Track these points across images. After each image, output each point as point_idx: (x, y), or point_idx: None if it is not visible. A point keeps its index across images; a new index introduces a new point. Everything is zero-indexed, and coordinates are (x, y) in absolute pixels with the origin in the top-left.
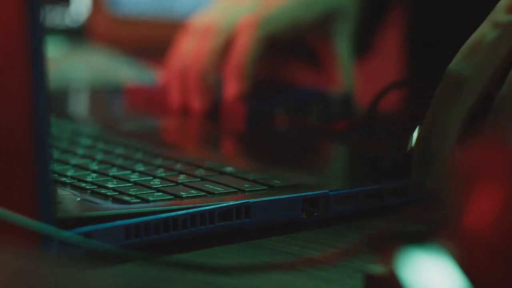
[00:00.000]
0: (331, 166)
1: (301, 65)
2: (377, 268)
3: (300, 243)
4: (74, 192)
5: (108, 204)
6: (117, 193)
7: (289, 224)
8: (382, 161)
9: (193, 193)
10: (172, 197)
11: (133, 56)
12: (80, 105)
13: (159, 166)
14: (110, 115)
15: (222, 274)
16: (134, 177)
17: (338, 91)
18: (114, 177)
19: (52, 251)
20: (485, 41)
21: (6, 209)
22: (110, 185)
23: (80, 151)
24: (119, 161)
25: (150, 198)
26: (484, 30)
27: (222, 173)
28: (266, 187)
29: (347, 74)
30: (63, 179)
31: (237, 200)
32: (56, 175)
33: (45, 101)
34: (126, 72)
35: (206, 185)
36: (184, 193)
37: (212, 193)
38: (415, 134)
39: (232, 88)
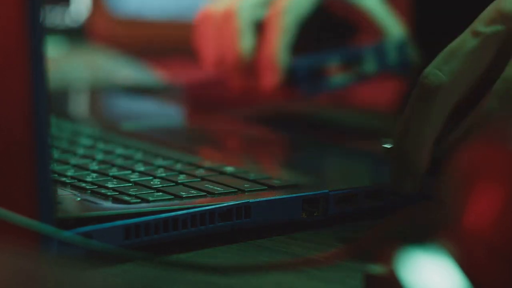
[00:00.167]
0: (331, 166)
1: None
2: (377, 268)
3: (300, 243)
4: (74, 192)
5: (108, 204)
6: (117, 193)
7: (289, 224)
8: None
9: (193, 193)
10: (172, 197)
11: (133, 56)
12: (80, 105)
13: (159, 166)
14: (110, 115)
15: (222, 274)
16: (134, 177)
17: (391, 38)
18: (114, 177)
19: (52, 251)
20: (464, 48)
21: (6, 209)
22: (110, 185)
23: (80, 151)
24: (119, 161)
25: (150, 198)
26: (464, 38)
27: (222, 173)
28: (266, 187)
29: (389, 22)
30: (63, 179)
31: (237, 200)
32: (56, 175)
33: (45, 101)
34: (126, 72)
35: (206, 185)
36: (184, 193)
37: (212, 193)
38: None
39: (268, 80)
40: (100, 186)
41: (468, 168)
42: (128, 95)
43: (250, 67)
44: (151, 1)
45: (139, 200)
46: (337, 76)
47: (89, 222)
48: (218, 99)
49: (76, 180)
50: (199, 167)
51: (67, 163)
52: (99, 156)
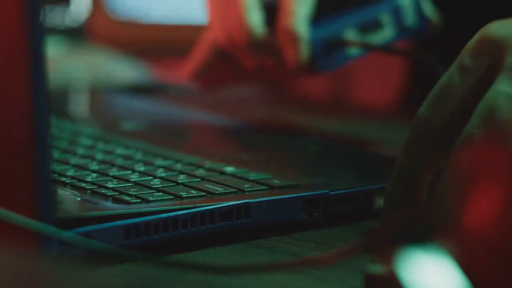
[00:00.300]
0: (331, 166)
1: None
2: (377, 268)
3: (300, 243)
4: (74, 192)
5: (108, 204)
6: (117, 193)
7: (289, 224)
8: (382, 160)
9: (193, 193)
10: (172, 197)
11: (133, 56)
12: (80, 105)
13: (159, 166)
14: (110, 115)
15: (222, 274)
16: (134, 177)
17: None
18: (114, 177)
19: (52, 251)
20: (452, 86)
21: (6, 209)
22: (110, 185)
23: (80, 151)
24: (119, 161)
25: (150, 198)
26: (452, 74)
27: (222, 173)
28: (266, 187)
29: None
30: (63, 179)
31: (237, 200)
32: (56, 175)
33: (45, 101)
34: (126, 72)
35: (206, 185)
36: (184, 193)
37: (212, 193)
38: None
39: (291, 56)
40: (100, 186)
41: (468, 168)
42: (128, 95)
43: (263, 44)
44: (151, 2)
45: (139, 200)
46: (354, 47)
47: (89, 222)
48: (230, 78)
49: (76, 180)
50: (199, 167)
51: (67, 163)
52: (99, 156)
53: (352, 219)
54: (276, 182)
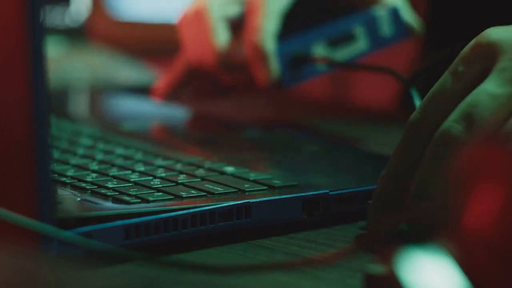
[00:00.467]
0: (331, 166)
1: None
2: (377, 268)
3: (300, 243)
4: (74, 192)
5: (108, 204)
6: (117, 193)
7: (289, 224)
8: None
9: (193, 193)
10: (172, 197)
11: (133, 56)
12: (80, 105)
13: (159, 166)
14: (110, 115)
15: (222, 274)
16: (134, 177)
17: (382, 6)
18: (114, 177)
19: (52, 251)
20: (444, 91)
21: (6, 209)
22: (110, 185)
23: (80, 151)
24: (119, 161)
25: (150, 198)
26: (445, 80)
27: (222, 173)
28: (266, 187)
29: None
30: (63, 179)
31: (237, 200)
32: (56, 175)
33: (45, 101)
34: (126, 72)
35: (207, 185)
36: (184, 193)
37: (212, 193)
38: None
39: (259, 72)
40: (100, 186)
41: (468, 168)
42: (128, 95)
43: (231, 63)
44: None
45: (139, 200)
46: (318, 63)
47: (89, 222)
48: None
49: (76, 180)
50: (199, 167)
51: (67, 163)
52: (99, 156)
53: (352, 219)
54: (276, 182)
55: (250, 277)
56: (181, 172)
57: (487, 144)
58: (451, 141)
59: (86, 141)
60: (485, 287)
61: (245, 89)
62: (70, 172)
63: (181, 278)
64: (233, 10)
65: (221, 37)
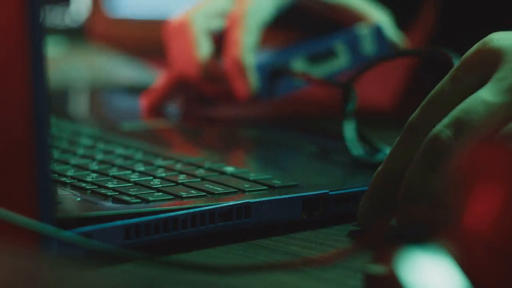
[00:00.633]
0: (331, 166)
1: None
2: (377, 268)
3: (300, 243)
4: (74, 192)
5: (108, 204)
6: (117, 193)
7: (289, 224)
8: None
9: (193, 193)
10: (172, 197)
11: (133, 56)
12: (80, 105)
13: (159, 166)
14: (110, 115)
15: (222, 274)
16: (134, 177)
17: (365, 25)
18: (114, 177)
19: (52, 251)
20: (442, 94)
21: (6, 209)
22: (110, 185)
23: (80, 151)
24: (119, 161)
25: (150, 198)
26: (444, 84)
27: (222, 173)
28: (266, 187)
29: (366, 9)
30: (63, 179)
31: (237, 200)
32: (56, 175)
33: (45, 101)
34: (126, 72)
35: (206, 185)
36: (184, 193)
37: (212, 193)
38: None
39: (238, 86)
40: (100, 186)
41: (468, 168)
42: (128, 95)
43: (214, 75)
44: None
45: (139, 200)
46: (304, 75)
47: (89, 222)
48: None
49: (76, 180)
50: (199, 167)
51: (67, 163)
52: (99, 156)
53: (352, 219)
54: (276, 182)
55: (250, 277)
56: (181, 172)
57: (487, 144)
58: (439, 146)
59: (86, 141)
60: (485, 287)
61: (228, 100)
62: (70, 172)
63: (181, 278)
64: (216, 23)
65: (204, 49)
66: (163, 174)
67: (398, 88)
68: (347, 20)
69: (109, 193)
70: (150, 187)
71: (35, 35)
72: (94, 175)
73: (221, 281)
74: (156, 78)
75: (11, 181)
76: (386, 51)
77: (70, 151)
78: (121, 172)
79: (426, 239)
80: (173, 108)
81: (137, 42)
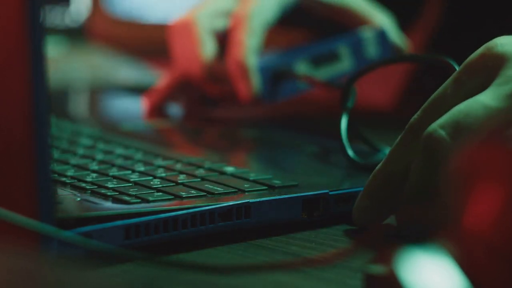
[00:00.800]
0: (331, 166)
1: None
2: (377, 268)
3: (300, 243)
4: (74, 192)
5: (108, 204)
6: (117, 193)
7: (289, 224)
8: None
9: (193, 193)
10: (172, 197)
11: (133, 56)
12: (80, 105)
13: (159, 166)
14: (110, 115)
15: (222, 274)
16: (134, 177)
17: (369, 29)
18: (114, 177)
19: (52, 251)
20: (444, 97)
21: (6, 209)
22: (110, 185)
23: (80, 151)
24: (119, 161)
25: (150, 198)
26: (447, 86)
27: (222, 173)
28: (266, 187)
29: (371, 13)
30: (63, 179)
31: (237, 200)
32: (56, 175)
33: (45, 101)
34: (126, 72)
35: (206, 185)
36: (184, 193)
37: (212, 193)
38: None
39: (241, 87)
40: (100, 186)
41: (468, 168)
42: (128, 95)
43: (217, 75)
44: (151, 1)
45: (139, 200)
46: (306, 78)
47: (89, 222)
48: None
49: (76, 180)
50: (199, 167)
51: (67, 163)
52: (99, 156)
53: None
54: (276, 182)
55: (250, 277)
56: (181, 172)
57: (487, 144)
58: (434, 144)
59: (86, 141)
60: (485, 287)
61: (232, 101)
62: (70, 172)
63: (181, 278)
64: (221, 23)
65: (208, 49)
66: (163, 174)
67: (398, 89)
68: (350, 22)
69: (109, 193)
70: (150, 187)
71: (35, 35)
72: (94, 175)
73: (221, 281)
74: (156, 78)
75: (11, 181)
76: (389, 54)
77: (70, 151)
78: (121, 172)
79: (426, 239)
80: (176, 108)
81: (137, 42)
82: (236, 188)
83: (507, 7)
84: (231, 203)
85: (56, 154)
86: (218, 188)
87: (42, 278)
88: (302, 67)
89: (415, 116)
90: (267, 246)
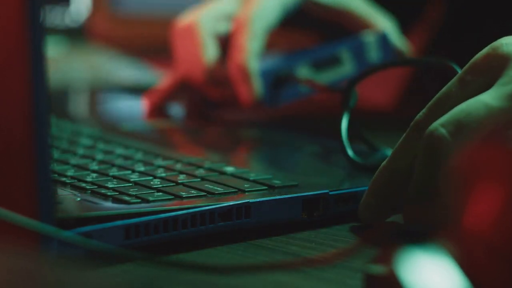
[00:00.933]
0: (331, 166)
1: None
2: (377, 268)
3: (300, 243)
4: (74, 192)
5: (108, 204)
6: (117, 193)
7: (289, 224)
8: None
9: (193, 193)
10: (172, 197)
11: (133, 56)
12: (80, 105)
13: (159, 166)
14: (110, 115)
15: (222, 274)
16: (134, 177)
17: (371, 33)
18: (114, 177)
19: (52, 251)
20: (449, 96)
21: (6, 209)
22: (110, 185)
23: (80, 151)
24: (119, 161)
25: (150, 198)
26: (451, 86)
27: (222, 173)
28: (266, 187)
29: (373, 17)
30: (63, 179)
31: (237, 200)
32: (56, 175)
33: (45, 101)
34: (126, 72)
35: (206, 185)
36: (184, 193)
37: (212, 193)
38: None
39: (243, 92)
40: (100, 186)
41: (468, 168)
42: (128, 95)
43: (219, 78)
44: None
45: (139, 200)
46: (308, 82)
47: (89, 222)
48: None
49: (76, 180)
50: (199, 167)
51: (67, 163)
52: (99, 156)
53: (352, 219)
54: (276, 182)
55: (250, 277)
56: (181, 172)
57: (487, 144)
58: (435, 143)
59: (86, 141)
60: (485, 287)
61: (233, 105)
62: (70, 172)
63: (181, 278)
64: (223, 27)
65: (210, 53)
66: (163, 174)
67: (398, 89)
68: (352, 26)
69: (109, 193)
70: (150, 187)
71: (35, 35)
72: (94, 175)
73: (221, 281)
74: (156, 78)
75: (11, 181)
76: (392, 57)
77: (70, 151)
78: (121, 172)
79: (426, 239)
80: (177, 109)
81: (137, 42)
82: (236, 188)
83: (508, 8)
84: (231, 203)
85: (56, 154)
86: (218, 188)
87: (42, 278)
88: (303, 71)
89: (420, 113)
90: (267, 246)
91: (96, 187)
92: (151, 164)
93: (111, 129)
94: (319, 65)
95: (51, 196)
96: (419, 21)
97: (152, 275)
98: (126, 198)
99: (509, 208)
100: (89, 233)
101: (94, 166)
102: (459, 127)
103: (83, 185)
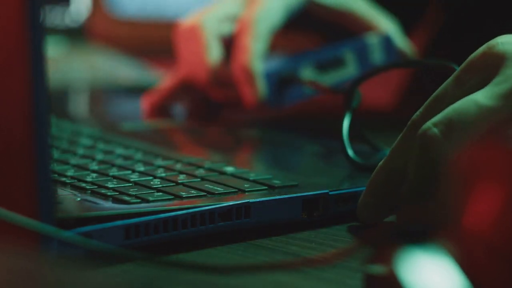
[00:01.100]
0: (331, 166)
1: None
2: (377, 268)
3: (300, 243)
4: (74, 192)
5: (108, 204)
6: (117, 193)
7: (289, 224)
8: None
9: (193, 193)
10: (172, 197)
11: (133, 56)
12: (80, 105)
13: (159, 166)
14: (110, 115)
15: (222, 274)
16: (134, 177)
17: (374, 35)
18: (114, 177)
19: (52, 251)
20: (445, 95)
21: (6, 209)
22: (110, 185)
23: (80, 151)
24: (119, 161)
25: (150, 198)
26: (447, 85)
27: (222, 173)
28: (266, 187)
29: (376, 19)
30: (63, 179)
31: (237, 200)
32: (56, 175)
33: (45, 101)
34: (126, 72)
35: (206, 185)
36: (184, 193)
37: (212, 193)
38: None
39: (247, 93)
40: (100, 186)
41: (468, 168)
42: (128, 95)
43: (223, 79)
44: (151, 1)
45: (139, 200)
46: (311, 83)
47: (89, 222)
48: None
49: (76, 180)
50: (199, 167)
51: (67, 163)
52: (99, 156)
53: (352, 219)
54: (276, 182)
55: (250, 277)
56: (181, 172)
57: (487, 144)
58: (428, 142)
59: (86, 141)
60: (485, 287)
61: (237, 106)
62: (70, 172)
63: (181, 278)
64: (227, 28)
65: (214, 54)
66: (163, 174)
67: (398, 89)
68: (355, 27)
69: (109, 193)
70: (150, 187)
71: (35, 35)
72: (94, 175)
73: (221, 281)
74: (156, 78)
75: (11, 181)
76: (395, 59)
77: (70, 151)
78: (121, 172)
79: (426, 239)
80: (179, 109)
81: (137, 42)
82: (236, 188)
83: (508, 8)
84: (231, 203)
85: (56, 154)
86: (218, 188)
87: (42, 278)
88: (307, 72)
89: (417, 113)
90: (267, 246)
91: (96, 187)
92: (151, 164)
93: (111, 129)
94: (323, 67)
95: (51, 196)
96: (420, 22)
97: (152, 275)
98: (126, 198)
99: (509, 208)
100: (89, 233)
101: (94, 166)
102: (451, 126)
103: (83, 185)
